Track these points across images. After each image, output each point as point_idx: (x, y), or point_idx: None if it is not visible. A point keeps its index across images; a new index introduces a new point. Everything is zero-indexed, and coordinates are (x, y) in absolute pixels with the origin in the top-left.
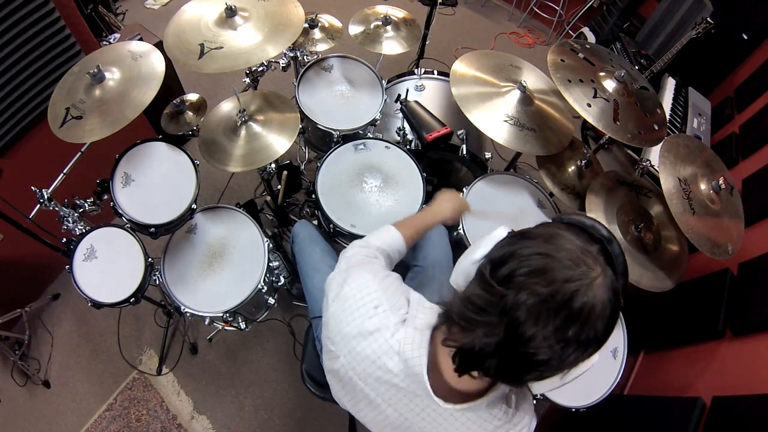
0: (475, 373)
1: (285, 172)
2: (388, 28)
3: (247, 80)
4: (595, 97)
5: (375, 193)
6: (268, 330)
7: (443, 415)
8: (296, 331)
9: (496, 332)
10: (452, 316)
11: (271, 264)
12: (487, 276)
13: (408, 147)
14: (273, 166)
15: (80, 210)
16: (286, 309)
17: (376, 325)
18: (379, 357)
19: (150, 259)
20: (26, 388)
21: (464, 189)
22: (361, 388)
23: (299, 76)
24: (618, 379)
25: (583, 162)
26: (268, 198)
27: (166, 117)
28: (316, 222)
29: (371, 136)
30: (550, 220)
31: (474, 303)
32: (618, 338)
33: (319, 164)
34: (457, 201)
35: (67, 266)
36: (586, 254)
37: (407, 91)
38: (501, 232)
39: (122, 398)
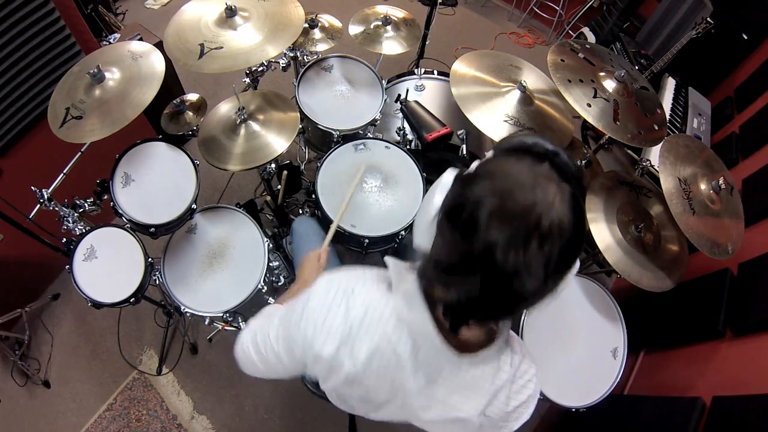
0: (471, 323)
1: (285, 172)
2: (388, 28)
3: (247, 80)
4: (595, 97)
5: (375, 193)
6: None
7: (460, 375)
8: None
9: (476, 280)
10: (429, 279)
11: (271, 264)
12: (449, 230)
13: (408, 147)
14: (273, 166)
15: (80, 210)
16: None
17: (365, 303)
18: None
19: (150, 259)
20: (26, 388)
21: None
22: (375, 384)
23: (299, 76)
24: (618, 379)
25: (583, 162)
26: (268, 198)
27: (166, 117)
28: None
29: (371, 136)
30: (492, 152)
31: (445, 261)
32: (618, 338)
33: (319, 164)
34: (312, 265)
35: (67, 266)
36: (537, 176)
37: (407, 91)
38: (448, 178)
39: (122, 398)
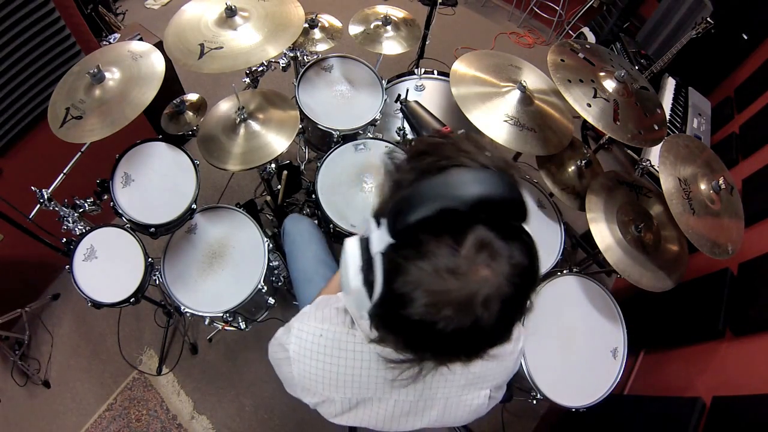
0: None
1: (285, 172)
2: (388, 28)
3: (247, 80)
4: (595, 97)
5: (375, 194)
6: (268, 330)
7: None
8: None
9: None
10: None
11: (271, 264)
12: (389, 339)
13: (405, 152)
14: (273, 166)
15: (80, 210)
16: (286, 309)
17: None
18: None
19: (150, 259)
20: (26, 388)
21: None
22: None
23: (299, 76)
24: (618, 379)
25: (583, 162)
26: (268, 198)
27: (166, 117)
28: (315, 222)
29: (371, 136)
30: (390, 234)
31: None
32: (618, 338)
33: (319, 164)
34: None
35: (67, 266)
36: (456, 274)
37: (407, 91)
38: (353, 252)
39: (122, 398)
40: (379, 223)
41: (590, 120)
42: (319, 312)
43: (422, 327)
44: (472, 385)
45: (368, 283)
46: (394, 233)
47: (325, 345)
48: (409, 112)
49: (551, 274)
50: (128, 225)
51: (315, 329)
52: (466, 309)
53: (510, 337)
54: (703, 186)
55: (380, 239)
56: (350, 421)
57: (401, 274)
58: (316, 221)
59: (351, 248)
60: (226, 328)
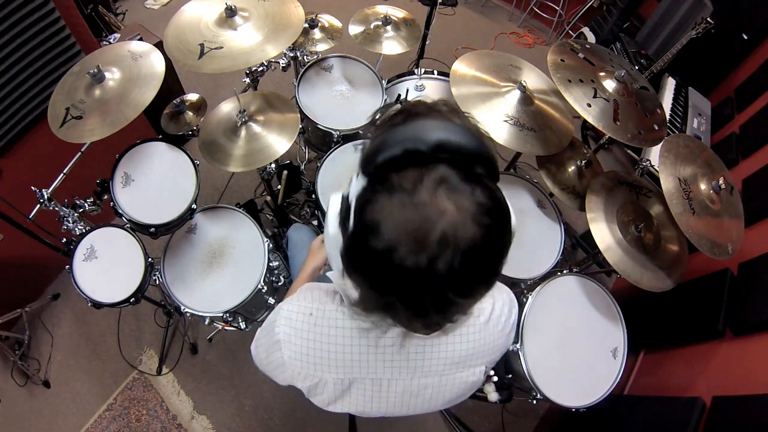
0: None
1: (285, 172)
2: (388, 28)
3: (247, 80)
4: (595, 97)
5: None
6: None
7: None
8: None
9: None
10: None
11: (271, 264)
12: (360, 283)
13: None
14: (273, 166)
15: (80, 210)
16: None
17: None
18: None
19: (150, 259)
20: (26, 388)
21: None
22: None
23: (299, 76)
24: (618, 379)
25: (583, 162)
26: (268, 198)
27: (166, 117)
28: (315, 222)
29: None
30: (362, 175)
31: (369, 300)
32: (618, 338)
33: (319, 164)
34: (317, 245)
35: (67, 266)
36: (416, 202)
37: (407, 91)
38: (334, 208)
39: (122, 398)
40: (357, 176)
41: (590, 120)
42: (309, 293)
43: (385, 261)
44: (465, 362)
45: (343, 224)
46: (366, 174)
47: (314, 324)
48: None
49: (551, 274)
50: (128, 225)
51: (305, 308)
52: (422, 241)
53: (485, 290)
54: (703, 186)
55: (356, 185)
56: (345, 407)
57: (369, 204)
58: (315, 222)
59: (333, 200)
60: (226, 328)
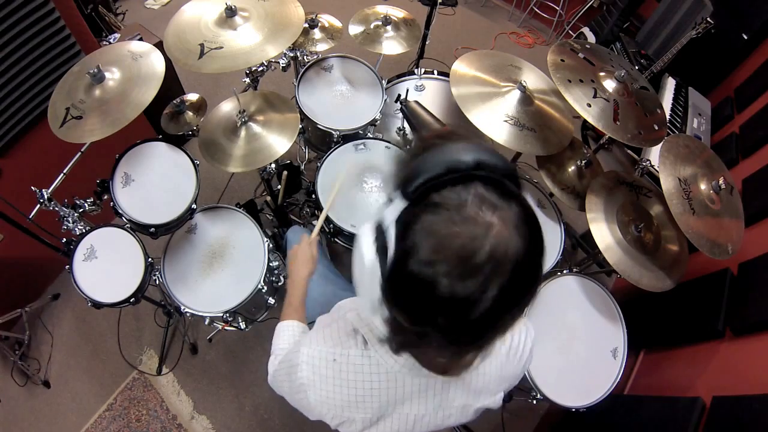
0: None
1: (285, 172)
2: (388, 28)
3: (247, 80)
4: (595, 97)
5: (375, 193)
6: (268, 330)
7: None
8: None
9: (437, 326)
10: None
11: (271, 264)
12: (398, 314)
13: (408, 147)
14: (273, 166)
15: (80, 210)
16: None
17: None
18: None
19: (150, 259)
20: (26, 388)
21: None
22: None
23: (299, 76)
24: (618, 379)
25: (583, 162)
26: (268, 198)
27: (166, 117)
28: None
29: (371, 136)
30: (402, 197)
31: (403, 326)
32: (618, 338)
33: (319, 164)
34: (304, 252)
35: (67, 266)
36: (463, 218)
37: (407, 91)
38: (367, 240)
39: (122, 398)
40: (391, 201)
41: (590, 120)
42: (326, 332)
43: (430, 282)
44: (486, 391)
45: (382, 252)
46: (406, 196)
47: (340, 370)
48: (409, 112)
49: (551, 274)
50: (128, 225)
51: (327, 354)
52: (471, 258)
53: (526, 305)
54: (703, 186)
55: (394, 209)
56: None
57: (412, 224)
58: (315, 222)
59: (364, 231)
60: (226, 328)
